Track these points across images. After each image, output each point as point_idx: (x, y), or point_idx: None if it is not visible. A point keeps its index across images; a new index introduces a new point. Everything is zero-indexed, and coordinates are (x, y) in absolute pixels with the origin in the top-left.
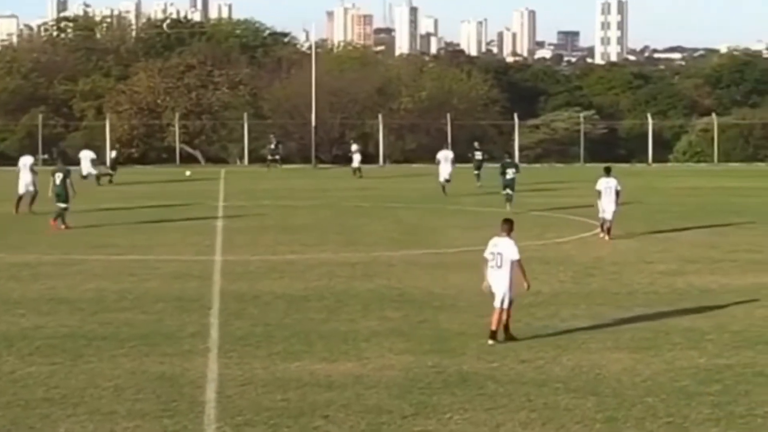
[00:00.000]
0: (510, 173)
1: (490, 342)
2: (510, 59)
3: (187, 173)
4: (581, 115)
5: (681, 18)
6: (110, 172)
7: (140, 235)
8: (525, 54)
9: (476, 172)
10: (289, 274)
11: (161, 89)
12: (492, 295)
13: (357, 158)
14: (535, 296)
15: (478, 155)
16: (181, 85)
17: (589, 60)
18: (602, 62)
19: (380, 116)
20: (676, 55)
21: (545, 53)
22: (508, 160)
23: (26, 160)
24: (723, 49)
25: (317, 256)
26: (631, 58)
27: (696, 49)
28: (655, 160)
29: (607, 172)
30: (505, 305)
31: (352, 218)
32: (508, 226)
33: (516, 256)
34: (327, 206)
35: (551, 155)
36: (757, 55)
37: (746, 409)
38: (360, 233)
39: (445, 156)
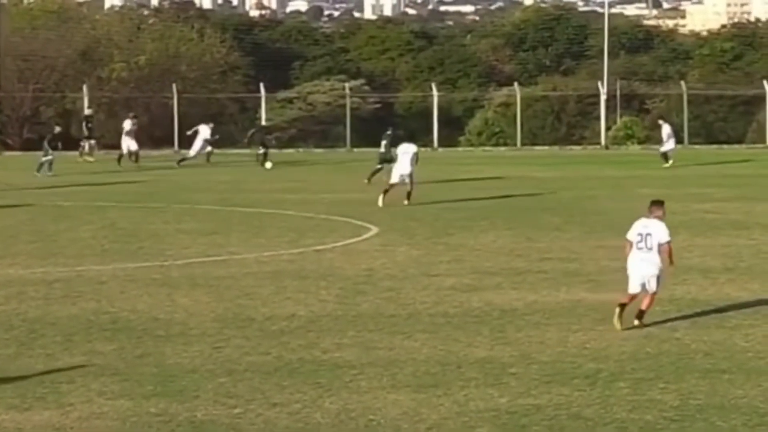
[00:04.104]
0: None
1: (636, 322)
2: (255, 13)
3: None
4: (347, 85)
5: None
6: None
7: None
8: (274, 6)
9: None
10: None
11: None
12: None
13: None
14: (289, 321)
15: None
16: None
17: (356, 14)
18: (374, 17)
19: (85, 87)
20: (468, 8)
21: (300, 5)
22: (389, 132)
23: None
24: (528, 1)
25: (2, 273)
26: (411, 11)
27: (493, 1)
28: (442, 144)
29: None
30: (657, 288)
31: (50, 222)
32: (658, 208)
33: (667, 238)
34: (16, 206)
35: (309, 137)
36: (570, 7)
37: None
38: (60, 242)
39: (405, 149)
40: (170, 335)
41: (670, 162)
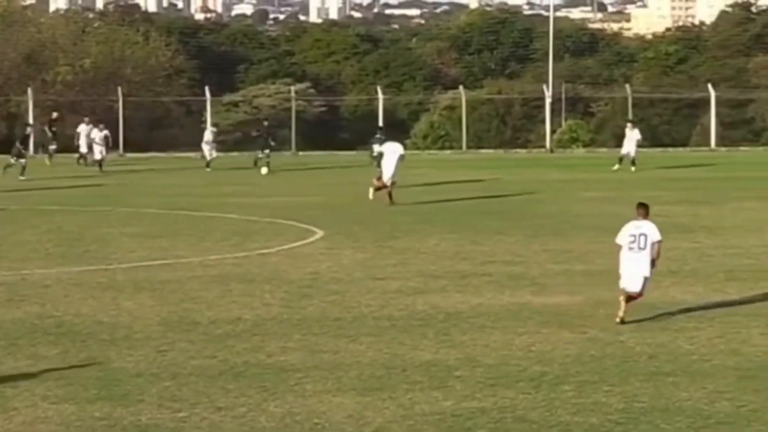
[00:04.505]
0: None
1: (618, 320)
2: (200, 17)
3: None
4: (292, 88)
5: None
6: None
7: None
8: (219, 10)
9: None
10: None
11: None
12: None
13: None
14: (234, 324)
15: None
16: None
17: (302, 17)
18: (319, 20)
19: (30, 91)
20: (414, 12)
21: (245, 8)
22: (378, 136)
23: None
24: (473, 4)
25: None
26: (357, 15)
27: (439, 4)
28: None
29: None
30: (643, 291)
31: None
32: (645, 210)
33: (659, 237)
34: None
35: (255, 140)
36: (515, 11)
37: None
38: (4, 245)
39: (392, 149)
40: (115, 339)
41: (625, 165)
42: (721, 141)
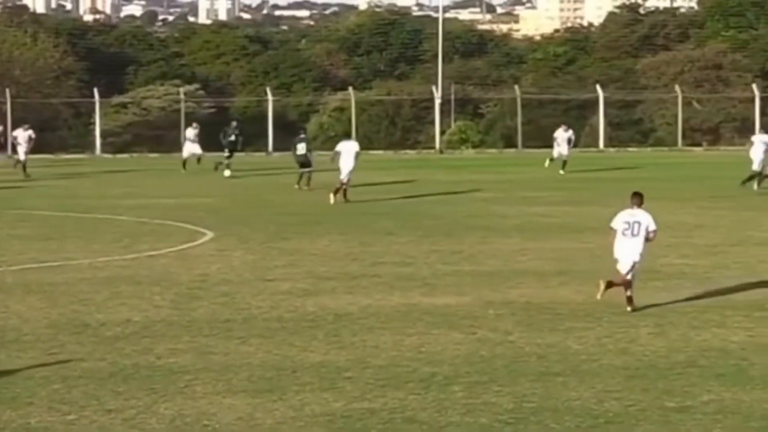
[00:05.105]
0: (300, 148)
1: (629, 309)
2: (89, 18)
3: None
4: (181, 90)
5: None
6: None
7: None
8: (108, 11)
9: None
10: None
11: None
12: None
13: None
14: (123, 326)
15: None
16: None
17: (191, 19)
18: (208, 22)
19: None
20: (303, 13)
21: (135, 10)
22: (302, 136)
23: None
24: (362, 5)
25: None
26: (246, 16)
27: (328, 5)
28: (277, 148)
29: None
30: (631, 276)
31: None
32: (639, 199)
33: (654, 226)
34: None
35: (144, 142)
36: (405, 12)
37: None
38: None
39: (346, 149)
40: (4, 342)
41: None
42: (610, 142)
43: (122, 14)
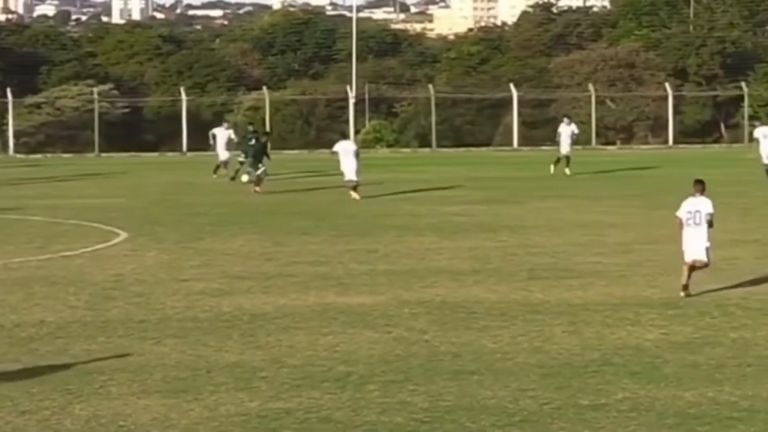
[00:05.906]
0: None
1: (682, 294)
2: (1, 18)
3: None
4: (95, 90)
5: None
6: None
7: None
8: (21, 11)
9: None
10: None
11: None
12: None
13: None
14: (38, 327)
15: None
16: None
17: (104, 18)
18: (122, 21)
19: None
20: (217, 13)
21: (47, 10)
22: (250, 136)
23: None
24: (276, 5)
25: None
26: (160, 16)
27: (242, 5)
28: (191, 148)
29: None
30: (708, 260)
31: None
32: (701, 186)
33: (711, 209)
34: None
35: (57, 142)
36: (319, 12)
37: None
38: None
39: (344, 148)
40: None
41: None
42: (524, 141)
43: (35, 14)
